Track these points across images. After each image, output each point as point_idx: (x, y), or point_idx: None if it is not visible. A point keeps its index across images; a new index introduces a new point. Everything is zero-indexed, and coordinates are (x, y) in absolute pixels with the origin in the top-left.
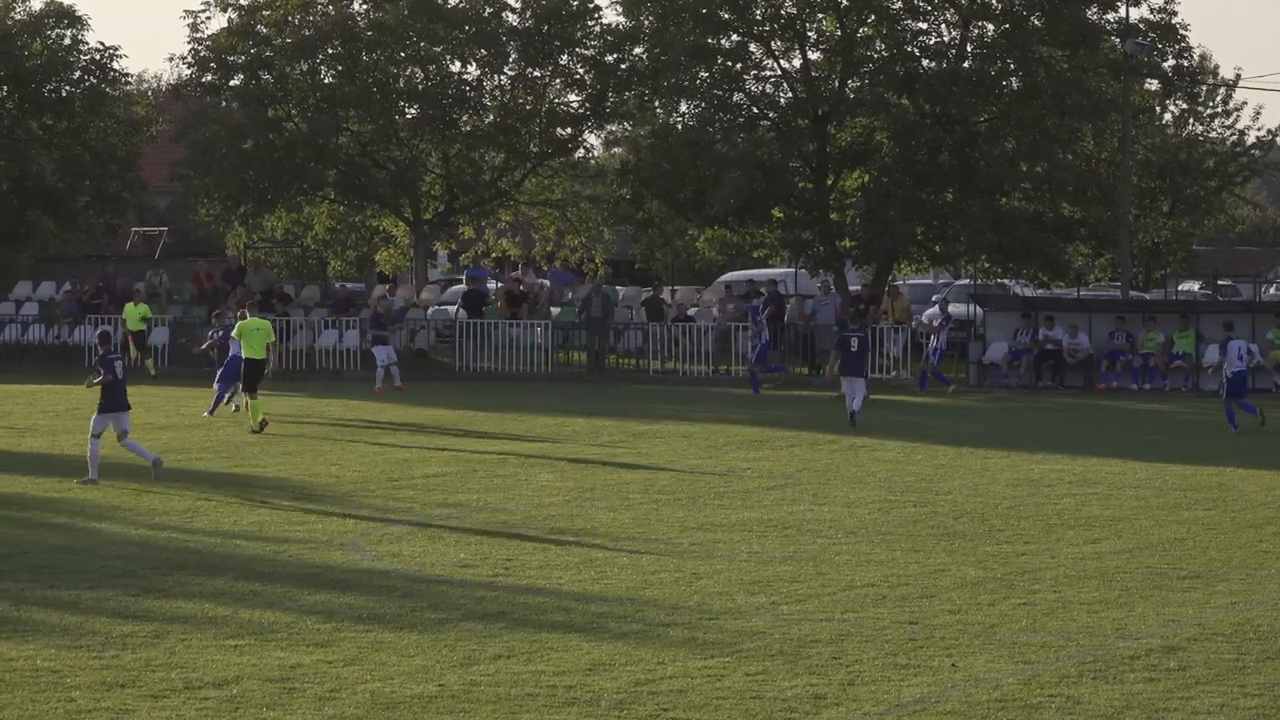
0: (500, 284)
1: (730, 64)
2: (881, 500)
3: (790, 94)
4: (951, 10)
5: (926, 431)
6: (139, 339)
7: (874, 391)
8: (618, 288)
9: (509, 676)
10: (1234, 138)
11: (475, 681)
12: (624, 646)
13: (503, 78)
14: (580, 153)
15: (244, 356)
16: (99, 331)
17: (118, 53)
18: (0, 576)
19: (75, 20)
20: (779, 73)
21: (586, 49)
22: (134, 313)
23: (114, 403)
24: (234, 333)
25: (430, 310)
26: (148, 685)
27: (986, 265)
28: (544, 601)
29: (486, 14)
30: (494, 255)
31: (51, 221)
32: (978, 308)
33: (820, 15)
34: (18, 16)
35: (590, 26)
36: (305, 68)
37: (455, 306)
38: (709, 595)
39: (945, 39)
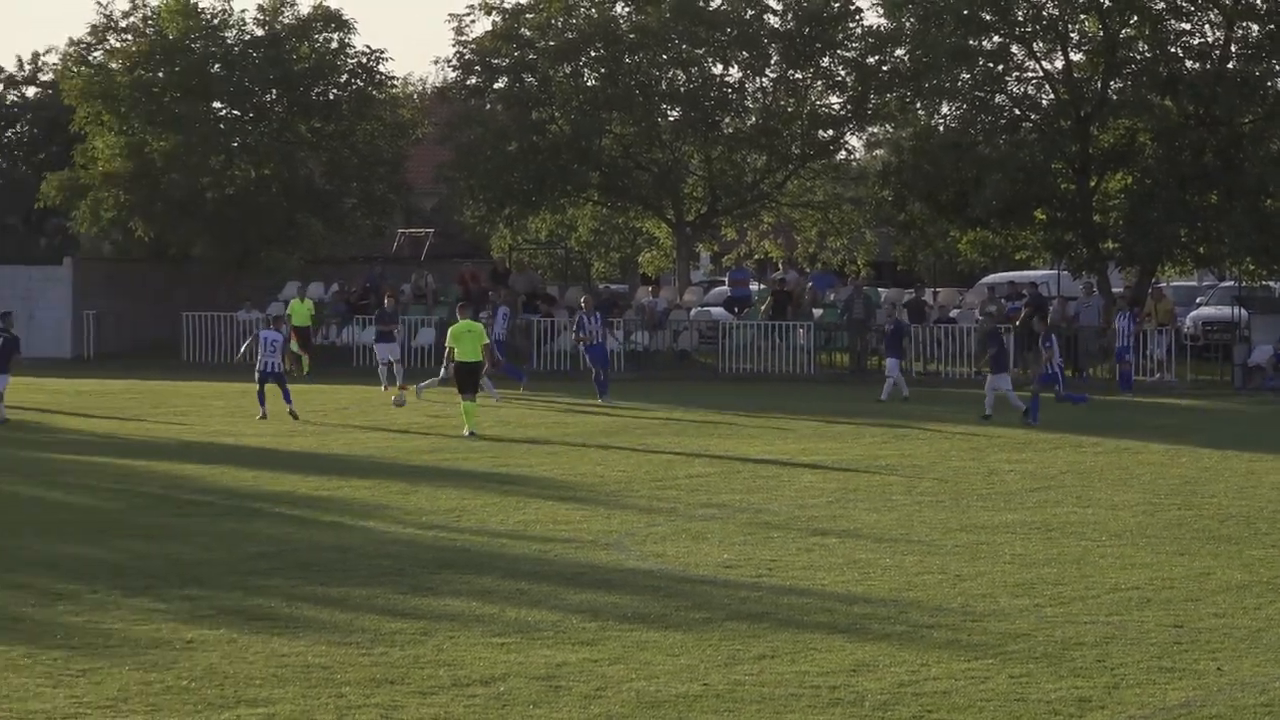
0: (763, 285)
1: (992, 65)
2: (1146, 503)
3: (1052, 95)
4: (1215, 10)
5: (1190, 434)
6: (304, 336)
7: (1137, 394)
8: (879, 289)
9: (773, 676)
10: None
11: (739, 681)
12: (888, 647)
13: (764, 80)
14: (842, 155)
15: (457, 360)
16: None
17: (384, 56)
18: (271, 574)
19: (342, 24)
20: (1041, 74)
21: (848, 51)
22: (301, 309)
23: None
24: (448, 338)
25: (693, 311)
26: (416, 682)
27: (1251, 267)
28: (807, 602)
29: (748, 16)
30: (756, 257)
31: (320, 224)
32: (1242, 310)
33: (1083, 16)
34: (286, 21)
35: (851, 28)
36: (568, 70)
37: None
38: (973, 597)
39: (1209, 39)
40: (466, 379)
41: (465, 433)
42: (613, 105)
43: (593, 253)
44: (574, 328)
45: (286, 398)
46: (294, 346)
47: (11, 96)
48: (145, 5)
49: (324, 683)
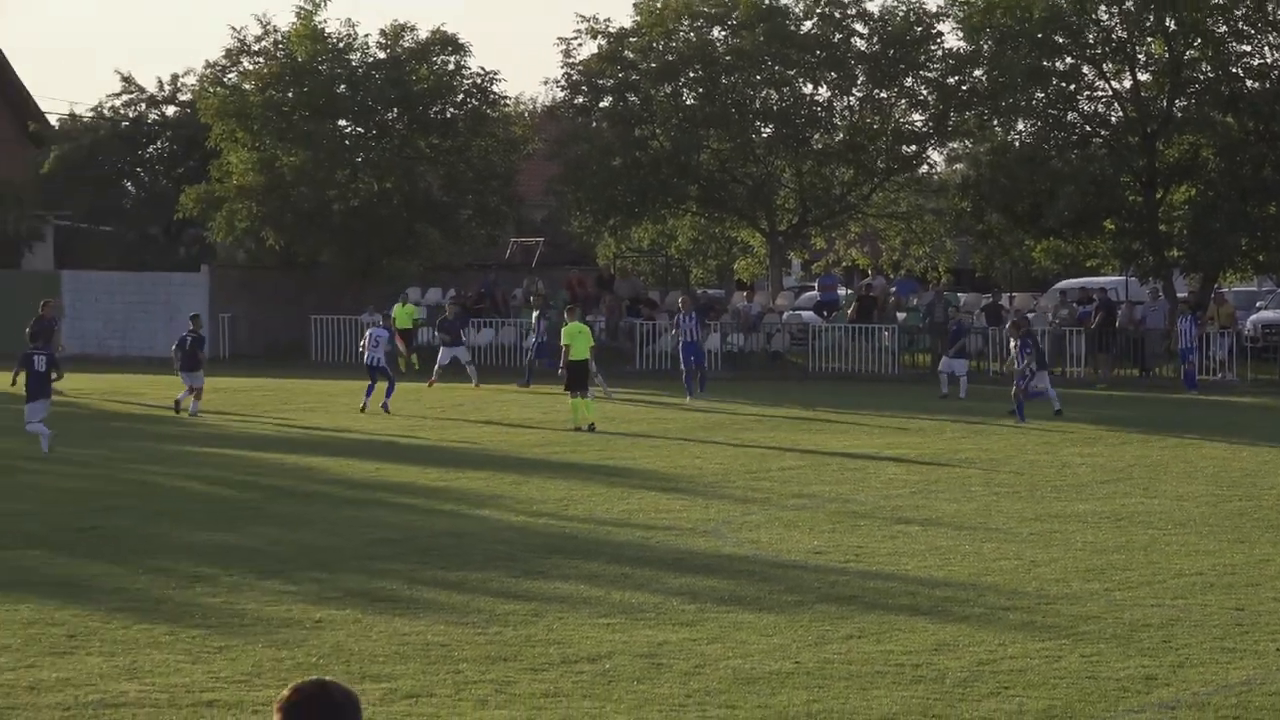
0: (850, 291)
1: (1064, 85)
2: (1209, 494)
3: (1121, 113)
4: (1275, 33)
5: (1251, 430)
6: (407, 338)
7: (1201, 392)
8: (959, 294)
9: (860, 655)
10: None
11: (828, 659)
12: (967, 628)
13: (851, 98)
14: (924, 168)
15: (570, 359)
16: None
17: (497, 77)
18: (393, 558)
19: (458, 47)
20: (1110, 93)
21: (930, 71)
22: (403, 313)
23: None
24: (562, 338)
25: (785, 315)
26: (528, 659)
27: None
28: (892, 586)
29: (836, 39)
30: (844, 264)
31: (438, 233)
32: None
33: (1149, 39)
34: (407, 44)
35: (933, 50)
36: (669, 90)
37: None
38: (1046, 581)
39: (1268, 60)
40: (576, 377)
41: (574, 427)
42: (710, 123)
43: (691, 260)
44: (673, 328)
45: (387, 391)
46: (400, 348)
47: (153, 115)
48: (276, 30)
49: (442, 660)
